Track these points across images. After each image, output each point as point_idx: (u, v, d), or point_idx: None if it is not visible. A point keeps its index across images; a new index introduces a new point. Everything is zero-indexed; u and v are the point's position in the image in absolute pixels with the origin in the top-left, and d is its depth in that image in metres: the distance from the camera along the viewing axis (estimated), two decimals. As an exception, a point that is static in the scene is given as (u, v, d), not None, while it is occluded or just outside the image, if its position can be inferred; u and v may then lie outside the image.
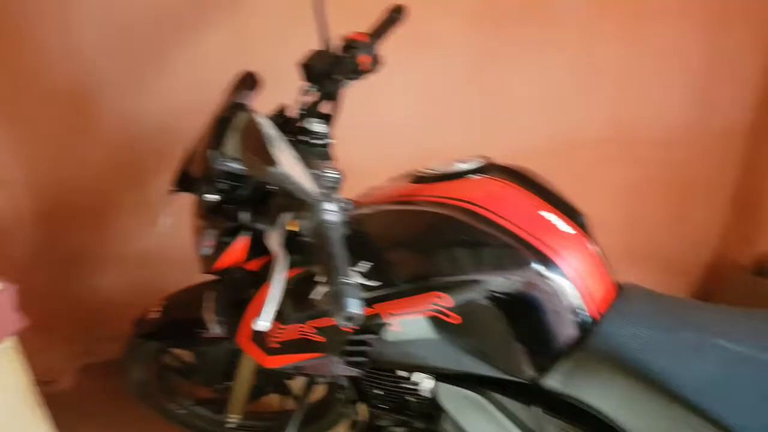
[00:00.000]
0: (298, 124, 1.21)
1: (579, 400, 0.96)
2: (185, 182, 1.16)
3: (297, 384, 1.80)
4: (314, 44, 1.17)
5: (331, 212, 0.90)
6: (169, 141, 1.95)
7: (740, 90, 2.28)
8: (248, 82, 1.21)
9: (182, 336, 1.51)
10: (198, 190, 1.08)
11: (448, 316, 0.98)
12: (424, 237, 1.03)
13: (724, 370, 0.89)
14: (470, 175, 1.09)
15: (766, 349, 0.90)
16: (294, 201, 0.95)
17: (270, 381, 1.64)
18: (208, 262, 1.16)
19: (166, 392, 1.72)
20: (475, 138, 2.07)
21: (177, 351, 1.65)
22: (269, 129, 0.92)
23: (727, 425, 0.82)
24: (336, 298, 0.81)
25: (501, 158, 1.16)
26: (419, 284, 0.99)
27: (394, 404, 1.23)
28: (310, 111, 1.20)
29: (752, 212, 2.41)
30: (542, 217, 1.03)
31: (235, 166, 1.06)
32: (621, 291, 1.05)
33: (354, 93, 1.25)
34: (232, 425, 1.58)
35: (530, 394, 1.01)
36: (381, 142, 1.98)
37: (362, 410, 1.35)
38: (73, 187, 1.90)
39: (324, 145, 1.15)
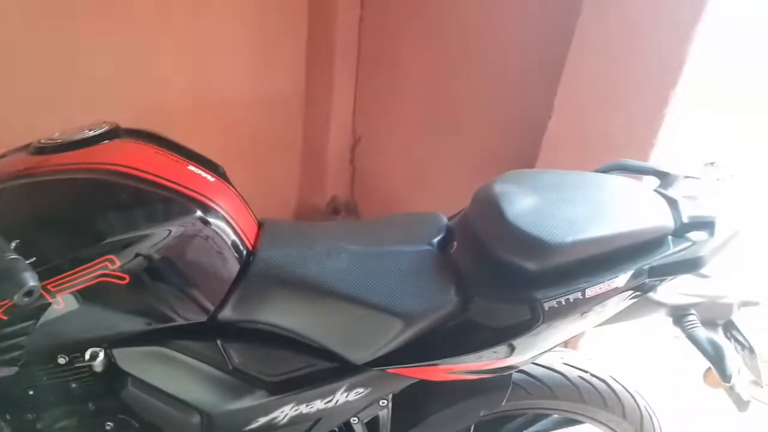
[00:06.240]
0: None
1: (254, 321, 1.09)
2: None
3: None
4: None
5: None
6: None
7: (292, 64, 2.69)
8: None
9: None
10: None
11: (116, 277, 0.98)
12: (80, 204, 0.99)
13: (351, 264, 1.14)
14: (104, 141, 1.08)
15: (370, 245, 1.19)
16: None
17: None
18: None
19: None
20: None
21: None
22: None
23: (367, 301, 1.08)
24: (8, 276, 0.74)
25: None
26: (85, 251, 0.95)
27: (56, 398, 1.14)
28: None
29: (317, 164, 2.89)
30: (191, 171, 1.11)
31: None
32: (262, 225, 1.21)
33: None
34: None
35: (210, 331, 1.09)
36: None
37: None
38: None
39: None
